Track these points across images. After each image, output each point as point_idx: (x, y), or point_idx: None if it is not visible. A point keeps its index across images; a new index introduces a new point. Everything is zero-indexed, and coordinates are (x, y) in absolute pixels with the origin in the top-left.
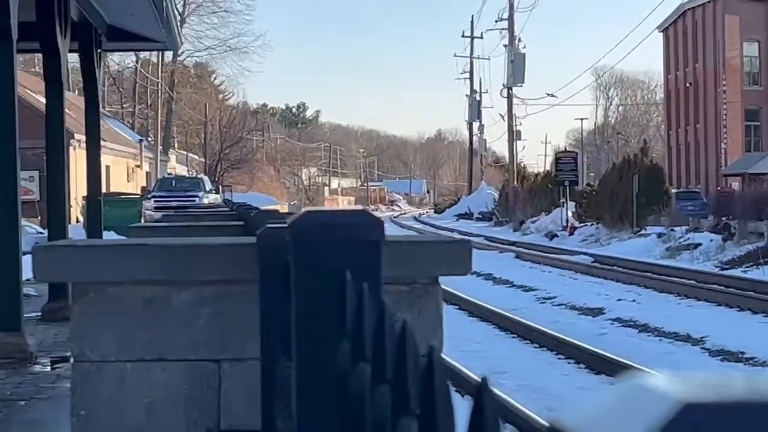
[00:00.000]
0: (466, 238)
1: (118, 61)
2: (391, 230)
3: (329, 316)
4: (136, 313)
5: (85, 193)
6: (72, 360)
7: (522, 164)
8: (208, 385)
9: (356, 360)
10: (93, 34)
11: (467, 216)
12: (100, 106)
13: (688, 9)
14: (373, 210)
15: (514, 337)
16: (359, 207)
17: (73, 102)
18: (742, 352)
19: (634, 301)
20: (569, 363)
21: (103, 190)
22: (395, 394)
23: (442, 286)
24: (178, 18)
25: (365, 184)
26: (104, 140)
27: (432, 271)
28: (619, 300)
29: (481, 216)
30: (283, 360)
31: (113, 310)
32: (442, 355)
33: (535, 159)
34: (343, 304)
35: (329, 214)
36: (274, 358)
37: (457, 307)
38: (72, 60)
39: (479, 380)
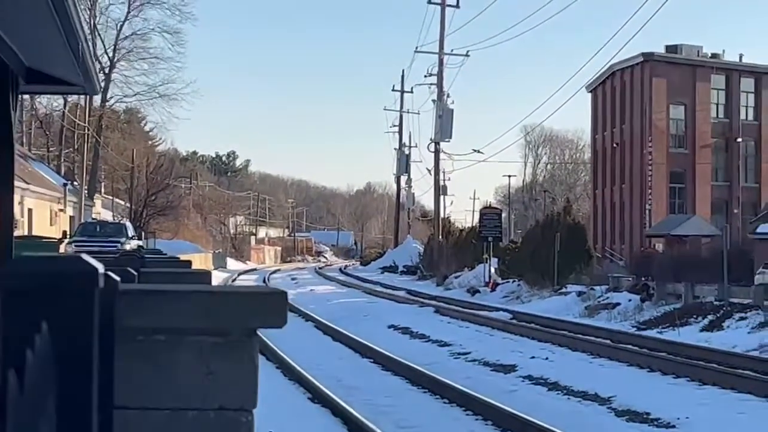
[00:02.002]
0: (282, 290)
1: (45, 104)
2: (313, 281)
3: (29, 369)
4: None
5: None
6: None
7: (449, 219)
8: None
9: (36, 413)
10: (10, 75)
11: (392, 269)
12: (25, 148)
13: (617, 70)
14: (299, 260)
15: (425, 392)
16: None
17: None
18: (648, 413)
19: (547, 358)
20: (477, 419)
21: (25, 233)
22: None
23: (374, 345)
24: (96, 62)
25: (292, 235)
26: (28, 183)
27: (247, 323)
28: (533, 357)
29: (405, 269)
30: None
31: None
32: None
33: (464, 214)
34: (43, 357)
35: (39, 262)
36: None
37: (371, 360)
38: None
39: None
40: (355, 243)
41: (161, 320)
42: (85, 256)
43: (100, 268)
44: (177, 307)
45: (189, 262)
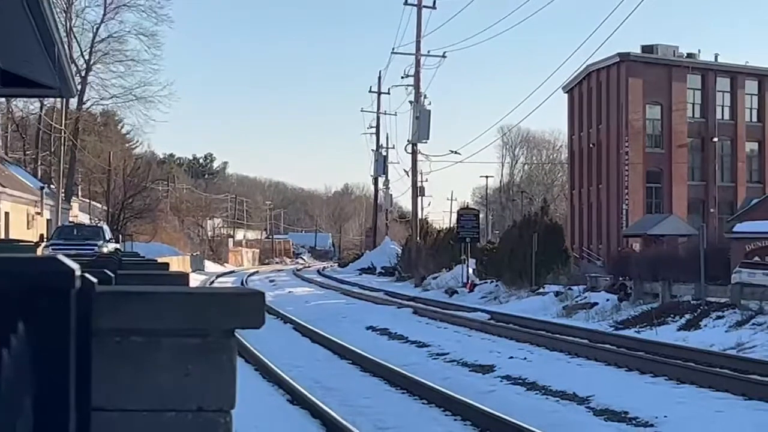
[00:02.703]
0: (260, 291)
1: (22, 107)
2: (291, 283)
3: (5, 369)
4: None
5: None
6: None
7: (427, 220)
8: None
9: (12, 414)
10: None
11: (370, 270)
12: (1, 152)
13: (593, 71)
14: (277, 262)
15: (403, 393)
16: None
17: None
18: (626, 412)
19: (525, 359)
20: (455, 420)
21: (2, 236)
22: None
23: (352, 347)
24: (72, 64)
25: (270, 237)
26: (4, 186)
27: (225, 324)
28: (511, 358)
29: (383, 271)
30: None
31: None
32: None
33: (441, 215)
34: (19, 357)
35: (16, 262)
36: None
37: (350, 362)
38: None
39: None
40: (333, 245)
41: (139, 321)
42: (62, 257)
43: (77, 269)
44: (154, 309)
45: (166, 265)
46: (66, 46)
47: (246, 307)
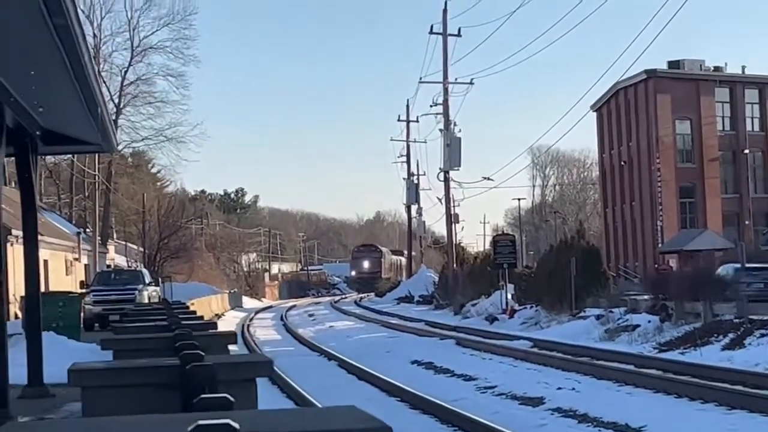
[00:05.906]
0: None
1: None
2: (330, 317)
3: None
4: None
5: (22, 289)
6: None
7: (462, 246)
8: None
9: None
10: (28, 139)
11: (408, 299)
12: (37, 199)
13: (621, 88)
14: (313, 294)
15: (455, 430)
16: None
17: (10, 197)
18: None
19: (573, 389)
20: None
21: (42, 285)
22: None
23: (399, 383)
24: (113, 119)
25: (305, 269)
26: (41, 234)
27: None
28: (559, 388)
29: (421, 299)
30: None
31: None
32: None
33: (475, 239)
34: None
35: None
36: None
37: (398, 399)
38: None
39: None
40: None
41: None
42: None
43: None
44: None
45: (234, 335)
46: (104, 103)
47: None
